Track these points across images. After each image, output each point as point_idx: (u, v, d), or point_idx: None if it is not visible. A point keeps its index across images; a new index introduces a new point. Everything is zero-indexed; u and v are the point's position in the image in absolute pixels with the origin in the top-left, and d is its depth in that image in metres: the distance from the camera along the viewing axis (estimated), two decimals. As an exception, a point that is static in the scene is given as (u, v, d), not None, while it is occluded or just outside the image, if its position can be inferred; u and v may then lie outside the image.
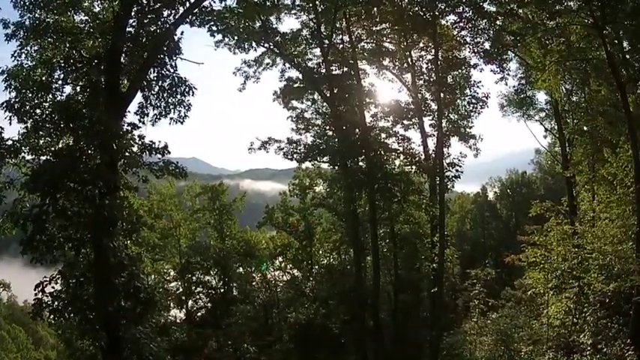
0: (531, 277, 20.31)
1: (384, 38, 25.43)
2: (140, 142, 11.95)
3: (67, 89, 12.03)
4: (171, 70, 12.02)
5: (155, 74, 12.03)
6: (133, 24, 12.32)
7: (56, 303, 10.23)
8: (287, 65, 25.06)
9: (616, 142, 20.26)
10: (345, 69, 24.70)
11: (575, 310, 17.74)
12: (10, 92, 11.68)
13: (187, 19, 13.19)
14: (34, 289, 10.57)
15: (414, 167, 24.16)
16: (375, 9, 23.39)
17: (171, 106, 12.56)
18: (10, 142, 11.57)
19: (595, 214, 20.65)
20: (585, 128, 24.42)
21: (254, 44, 23.33)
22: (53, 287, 10.54)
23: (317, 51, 25.00)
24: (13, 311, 56.37)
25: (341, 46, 25.02)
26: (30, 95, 11.65)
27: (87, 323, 10.31)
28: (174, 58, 11.88)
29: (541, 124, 28.94)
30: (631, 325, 16.06)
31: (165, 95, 12.21)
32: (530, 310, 22.03)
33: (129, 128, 11.41)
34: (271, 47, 24.08)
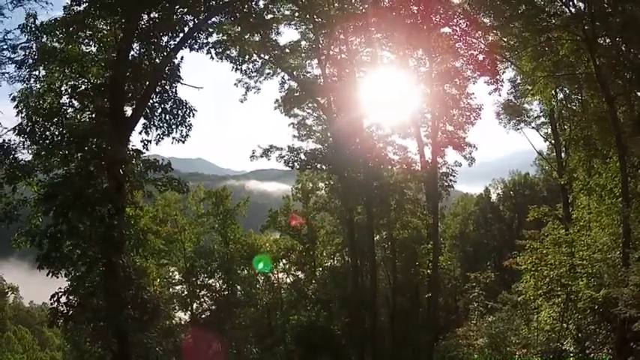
0: (525, 282, 20.85)
1: (382, 49, 26.07)
2: (146, 161, 12.83)
3: (75, 114, 12.84)
4: (172, 94, 12.82)
5: (157, 98, 12.84)
6: (137, 52, 13.10)
7: (70, 312, 11.07)
8: (286, 76, 25.78)
9: (607, 152, 20.75)
10: (343, 79, 25.35)
11: (562, 316, 18.28)
12: (21, 118, 12.55)
13: (187, 44, 13.96)
14: (50, 299, 11.45)
15: (409, 176, 24.77)
16: (372, 20, 24.00)
17: (173, 127, 13.39)
18: (23, 163, 12.48)
19: (585, 223, 21.10)
20: (581, 135, 24.81)
21: (254, 57, 24.05)
22: (68, 298, 11.41)
23: (315, 62, 25.72)
24: (18, 313, 57.51)
25: (339, 56, 25.68)
26: (40, 120, 12.50)
27: (98, 330, 11.20)
28: (175, 85, 12.67)
29: (537, 131, 29.30)
30: (617, 331, 16.59)
31: (167, 117, 13.03)
32: (525, 314, 22.51)
33: (133, 153, 12.23)
34: (271, 59, 24.79)
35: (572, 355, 16.65)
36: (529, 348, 19.00)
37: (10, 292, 33.66)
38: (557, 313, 18.66)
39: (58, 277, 10.97)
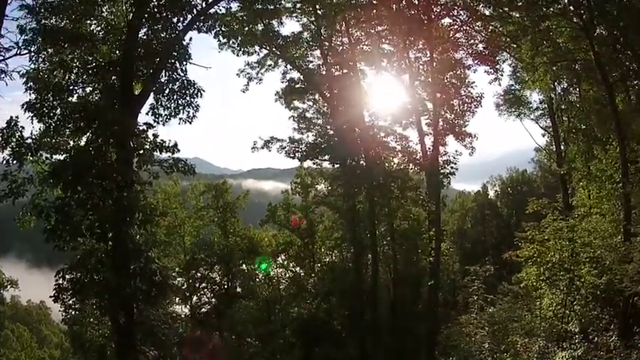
0: (526, 272, 20.96)
1: (383, 40, 26.26)
2: (153, 141, 12.83)
3: (84, 91, 12.87)
4: (181, 74, 12.91)
5: (166, 77, 12.92)
6: (145, 31, 13.17)
7: (77, 287, 11.02)
8: (288, 67, 25.92)
9: (607, 140, 21.01)
10: (345, 70, 25.51)
11: (565, 301, 18.41)
12: (30, 94, 12.58)
13: (195, 26, 14.05)
14: (55, 276, 11.39)
15: (411, 165, 24.97)
16: (374, 12, 24.23)
17: (180, 107, 13.48)
18: (29, 141, 12.45)
19: (586, 210, 21.30)
20: (580, 126, 25.13)
21: (257, 47, 24.20)
22: (74, 273, 11.34)
23: (317, 53, 25.90)
24: (16, 311, 57.21)
25: (341, 48, 25.86)
26: (49, 97, 12.52)
27: (106, 304, 11.14)
28: (185, 63, 12.75)
29: (536, 122, 29.58)
30: (620, 316, 16.77)
31: (175, 97, 13.11)
32: (527, 303, 22.60)
33: (144, 127, 12.27)
34: (273, 50, 24.93)
35: (576, 337, 16.75)
36: (532, 335, 19.11)
37: (9, 286, 33.33)
38: (560, 299, 18.80)
39: (65, 250, 10.89)
